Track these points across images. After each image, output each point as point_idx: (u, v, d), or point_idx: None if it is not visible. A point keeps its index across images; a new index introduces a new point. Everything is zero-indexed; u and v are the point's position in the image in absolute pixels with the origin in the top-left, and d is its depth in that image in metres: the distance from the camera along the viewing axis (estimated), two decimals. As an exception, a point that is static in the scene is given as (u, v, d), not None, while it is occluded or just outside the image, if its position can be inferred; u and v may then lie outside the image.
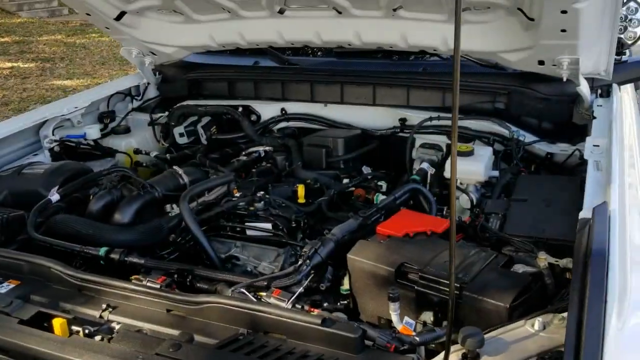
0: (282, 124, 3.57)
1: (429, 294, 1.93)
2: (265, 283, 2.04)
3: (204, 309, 1.85)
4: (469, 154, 2.77)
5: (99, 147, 3.43)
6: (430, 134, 3.19)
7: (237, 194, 2.70)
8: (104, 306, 1.94)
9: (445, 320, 1.86)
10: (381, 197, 2.81)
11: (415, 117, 3.24)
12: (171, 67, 3.88)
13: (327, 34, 3.17)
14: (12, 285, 2.09)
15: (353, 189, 2.95)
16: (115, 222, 2.57)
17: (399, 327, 1.84)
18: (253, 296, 1.98)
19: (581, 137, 2.72)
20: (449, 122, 3.05)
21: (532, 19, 2.55)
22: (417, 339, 1.70)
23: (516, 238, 2.13)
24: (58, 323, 1.74)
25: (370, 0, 2.88)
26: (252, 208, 2.63)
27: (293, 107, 3.55)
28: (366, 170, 3.23)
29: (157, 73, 3.87)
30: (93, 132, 3.47)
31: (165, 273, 2.16)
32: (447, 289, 1.85)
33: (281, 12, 3.14)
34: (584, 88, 2.88)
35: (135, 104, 3.91)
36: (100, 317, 1.91)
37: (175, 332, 1.80)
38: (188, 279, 2.14)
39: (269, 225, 2.58)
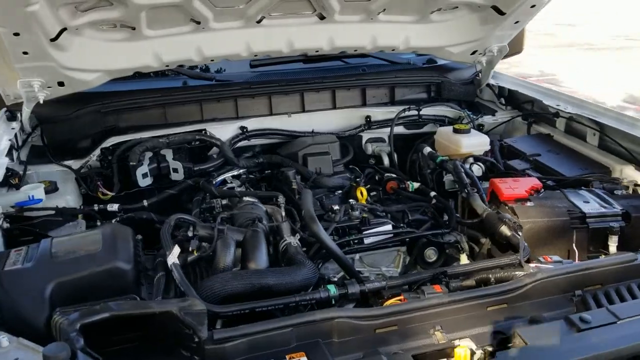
0: (243, 143, 3.30)
1: (601, 228, 2.39)
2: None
3: (526, 290, 1.87)
4: (468, 130, 3.24)
5: (60, 210, 2.55)
6: (383, 128, 3.53)
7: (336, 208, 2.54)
8: (430, 331, 1.74)
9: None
10: (415, 184, 3.04)
11: (377, 113, 3.50)
12: (56, 104, 3.06)
13: (301, 41, 3.11)
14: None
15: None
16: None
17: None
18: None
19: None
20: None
21: (503, 13, 3.16)
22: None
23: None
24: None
25: (360, 6, 3.01)
26: (364, 215, 2.52)
27: (252, 124, 3.32)
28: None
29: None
30: (39, 193, 2.54)
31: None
32: (614, 219, 2.37)
33: (259, 21, 2.95)
34: (489, 70, 3.68)
35: (23, 154, 2.96)
36: (442, 343, 1.71)
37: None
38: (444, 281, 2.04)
39: (389, 227, 2.54)
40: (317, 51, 3.23)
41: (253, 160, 3.17)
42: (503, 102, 3.81)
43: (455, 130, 3.24)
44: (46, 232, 2.44)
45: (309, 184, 2.97)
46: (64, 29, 2.55)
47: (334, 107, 3.48)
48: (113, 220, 2.74)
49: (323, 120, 3.45)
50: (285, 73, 3.54)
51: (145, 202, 2.80)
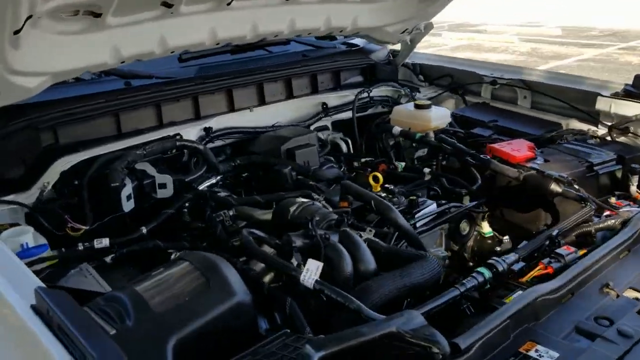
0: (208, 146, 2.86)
1: (606, 173, 2.64)
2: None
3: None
4: (430, 105, 3.27)
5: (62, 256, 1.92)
6: (339, 114, 3.41)
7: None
8: (604, 290, 1.73)
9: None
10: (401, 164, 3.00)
11: (331, 99, 3.34)
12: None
13: (265, 25, 2.81)
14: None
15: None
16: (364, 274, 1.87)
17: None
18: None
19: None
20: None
21: (446, -11, 3.26)
22: None
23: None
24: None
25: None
26: (412, 198, 2.39)
27: (215, 124, 2.89)
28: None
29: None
30: (29, 238, 1.88)
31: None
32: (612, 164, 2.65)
33: (229, 3, 2.59)
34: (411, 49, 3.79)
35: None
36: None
37: None
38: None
39: (434, 205, 2.45)
40: (276, 36, 2.96)
41: (229, 164, 2.78)
42: (422, 78, 3.94)
43: (418, 107, 3.26)
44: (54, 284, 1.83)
45: (308, 179, 2.71)
46: (29, 17, 1.91)
47: (291, 97, 3.22)
48: (108, 259, 2.17)
49: (282, 111, 3.17)
50: (221, 65, 3.16)
51: (144, 229, 2.27)
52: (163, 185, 2.43)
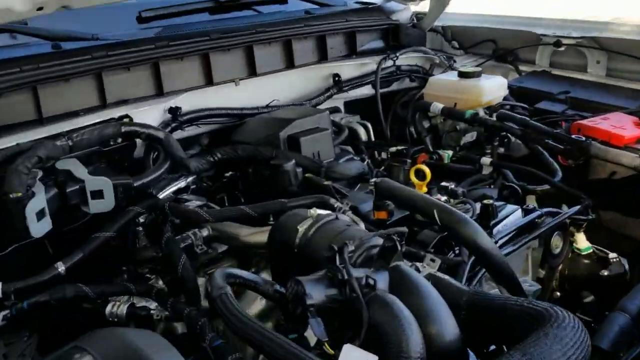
0: (176, 134, 2.00)
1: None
2: None
3: None
4: (480, 74, 2.42)
5: None
6: (355, 88, 2.55)
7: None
8: None
9: None
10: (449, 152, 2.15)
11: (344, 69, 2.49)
12: None
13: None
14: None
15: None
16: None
17: None
18: None
19: None
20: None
21: None
22: None
23: None
24: None
25: None
26: (487, 203, 1.53)
27: (185, 102, 2.03)
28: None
29: None
30: None
31: None
32: None
33: None
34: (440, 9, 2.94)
35: None
36: None
37: None
38: None
39: (518, 212, 1.61)
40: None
41: (205, 160, 1.92)
42: (456, 45, 3.09)
43: (464, 75, 2.40)
44: None
45: (321, 177, 1.85)
46: None
47: (292, 66, 2.35)
48: (2, 316, 1.32)
49: (280, 86, 2.31)
50: (194, 24, 2.30)
51: (60, 267, 1.41)
52: (98, 194, 1.56)
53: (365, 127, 2.54)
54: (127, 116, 1.78)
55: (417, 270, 1.20)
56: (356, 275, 0.98)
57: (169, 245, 1.44)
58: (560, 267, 1.81)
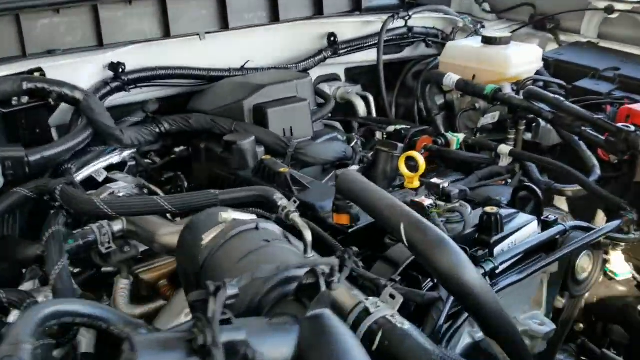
0: (119, 97, 1.64)
1: None
2: None
3: None
4: (508, 40, 1.97)
5: None
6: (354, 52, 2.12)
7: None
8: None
9: None
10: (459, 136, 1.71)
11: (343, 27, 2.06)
12: None
13: None
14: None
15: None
16: None
17: None
18: None
19: None
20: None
21: None
22: None
23: None
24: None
25: None
26: (491, 211, 1.11)
27: (131, 58, 1.66)
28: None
29: None
30: None
31: None
32: None
33: None
34: None
35: None
36: None
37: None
38: None
39: (534, 224, 1.19)
40: None
41: (149, 130, 1.55)
42: (487, 8, 2.62)
43: (489, 41, 1.96)
44: None
45: (287, 160, 1.46)
46: None
47: (276, 20, 1.94)
48: None
49: (259, 44, 1.91)
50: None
51: None
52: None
53: (366, 100, 2.13)
54: (39, 69, 1.41)
55: (367, 312, 0.81)
56: (229, 339, 0.60)
57: (48, 244, 1.08)
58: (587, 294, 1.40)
